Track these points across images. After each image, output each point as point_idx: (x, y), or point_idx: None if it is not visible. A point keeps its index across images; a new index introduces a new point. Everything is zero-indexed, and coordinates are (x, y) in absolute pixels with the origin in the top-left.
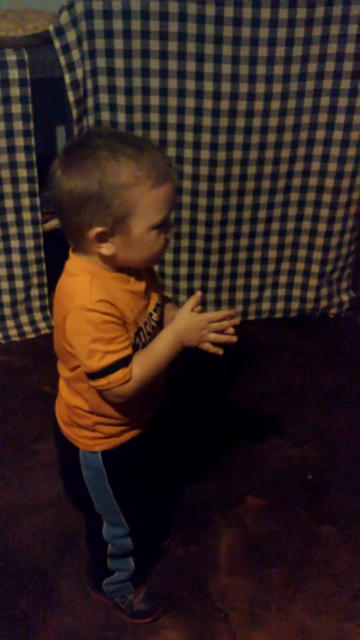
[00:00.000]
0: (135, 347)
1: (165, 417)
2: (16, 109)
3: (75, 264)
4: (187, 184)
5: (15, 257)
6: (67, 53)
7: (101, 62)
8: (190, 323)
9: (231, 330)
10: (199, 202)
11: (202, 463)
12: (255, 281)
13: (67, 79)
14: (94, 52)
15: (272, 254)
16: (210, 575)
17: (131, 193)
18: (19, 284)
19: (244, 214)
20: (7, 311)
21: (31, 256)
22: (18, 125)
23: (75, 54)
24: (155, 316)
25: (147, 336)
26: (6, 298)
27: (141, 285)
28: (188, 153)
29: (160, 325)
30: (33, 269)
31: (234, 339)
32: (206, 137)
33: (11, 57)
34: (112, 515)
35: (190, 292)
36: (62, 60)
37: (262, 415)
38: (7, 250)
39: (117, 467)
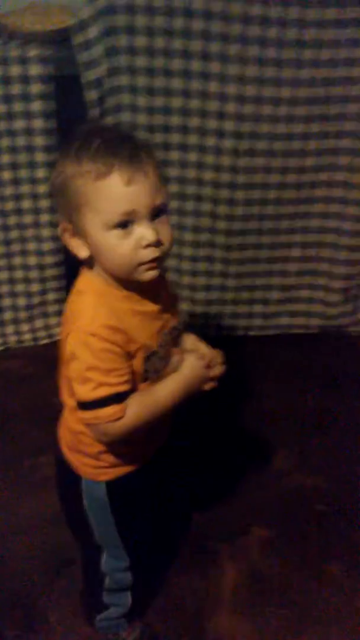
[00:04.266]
0: (147, 375)
1: (171, 445)
2: (37, 106)
3: (84, 280)
4: (207, 191)
5: (32, 260)
6: (87, 50)
7: (122, 61)
8: (200, 372)
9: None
10: (218, 210)
11: (207, 491)
12: (274, 295)
13: (86, 77)
14: (115, 50)
15: (293, 267)
16: (211, 613)
17: (78, 182)
18: (35, 287)
19: (265, 224)
20: (22, 315)
21: (49, 259)
22: (39, 123)
23: (96, 51)
24: (169, 339)
25: (160, 361)
26: (22, 301)
27: (154, 306)
28: (209, 159)
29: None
30: (51, 272)
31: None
32: (229, 144)
33: (34, 52)
34: (113, 548)
35: (207, 303)
36: (82, 57)
37: (272, 440)
38: (24, 253)
39: (122, 498)
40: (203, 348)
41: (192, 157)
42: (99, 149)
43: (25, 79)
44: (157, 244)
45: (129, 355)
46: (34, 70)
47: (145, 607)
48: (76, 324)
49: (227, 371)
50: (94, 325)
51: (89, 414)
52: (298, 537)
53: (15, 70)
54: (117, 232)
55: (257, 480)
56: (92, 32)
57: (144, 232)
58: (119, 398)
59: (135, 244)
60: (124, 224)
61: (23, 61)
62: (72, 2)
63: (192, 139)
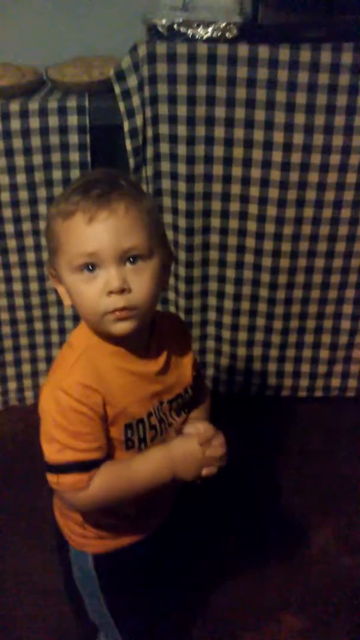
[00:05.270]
0: (129, 443)
1: (182, 518)
2: (74, 156)
3: (76, 332)
4: (250, 243)
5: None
6: (127, 99)
7: (163, 109)
8: (193, 451)
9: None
10: (262, 262)
11: (232, 571)
12: (324, 354)
13: (126, 126)
14: (155, 98)
15: (346, 324)
16: None
17: (52, 223)
18: None
19: (314, 277)
20: None
21: None
22: (75, 173)
23: (136, 100)
24: (166, 407)
25: (149, 430)
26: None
27: (151, 367)
28: (252, 209)
29: (174, 422)
30: None
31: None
32: (274, 192)
33: (72, 103)
34: (107, 627)
35: (249, 359)
36: (122, 106)
37: (313, 515)
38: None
39: (112, 574)
40: (201, 425)
41: (235, 206)
42: (74, 191)
43: (63, 129)
44: (122, 291)
45: (105, 420)
46: (72, 120)
47: None
48: (51, 377)
49: (264, 435)
50: (67, 381)
51: (51, 478)
52: (336, 631)
53: (53, 120)
54: (83, 276)
55: (291, 561)
56: (132, 81)
57: (106, 277)
58: (84, 466)
59: (100, 291)
60: (89, 267)
61: (61, 112)
62: (114, 54)
63: (235, 189)
